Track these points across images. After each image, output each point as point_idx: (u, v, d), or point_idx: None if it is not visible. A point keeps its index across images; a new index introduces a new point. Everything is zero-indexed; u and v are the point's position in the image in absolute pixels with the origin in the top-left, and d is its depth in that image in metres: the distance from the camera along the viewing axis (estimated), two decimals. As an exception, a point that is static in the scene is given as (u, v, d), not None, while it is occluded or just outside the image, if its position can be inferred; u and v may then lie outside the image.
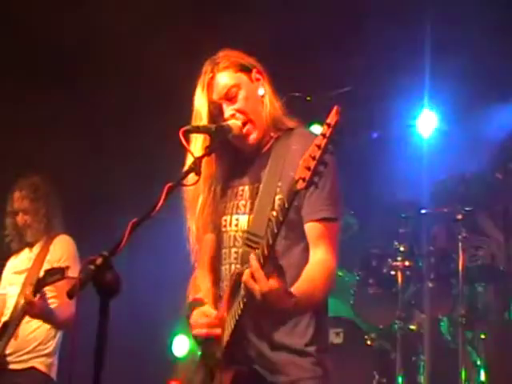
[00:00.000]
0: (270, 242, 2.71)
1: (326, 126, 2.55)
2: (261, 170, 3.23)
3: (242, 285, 2.79)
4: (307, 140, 3.01)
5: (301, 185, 2.60)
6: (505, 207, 6.78)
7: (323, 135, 2.55)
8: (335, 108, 2.56)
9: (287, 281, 2.79)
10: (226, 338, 2.99)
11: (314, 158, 2.56)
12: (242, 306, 2.87)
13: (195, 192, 3.20)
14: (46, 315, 4.96)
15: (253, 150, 3.27)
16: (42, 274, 4.91)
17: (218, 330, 3.02)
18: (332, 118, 2.54)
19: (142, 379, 7.27)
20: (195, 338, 3.13)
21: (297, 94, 6.60)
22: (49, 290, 5.02)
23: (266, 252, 2.72)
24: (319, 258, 3.03)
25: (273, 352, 3.07)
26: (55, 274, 4.77)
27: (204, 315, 3.07)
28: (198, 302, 3.20)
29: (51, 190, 5.52)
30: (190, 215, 3.29)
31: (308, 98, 7.15)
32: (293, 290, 2.81)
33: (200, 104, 3.22)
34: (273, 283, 2.69)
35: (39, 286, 4.83)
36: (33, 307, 4.84)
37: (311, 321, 3.12)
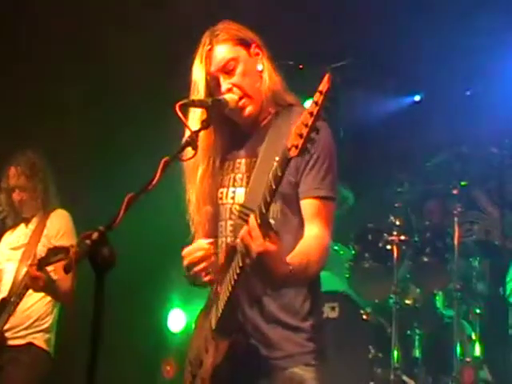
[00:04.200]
0: (263, 210, 2.71)
1: (318, 94, 2.53)
2: (258, 145, 3.21)
3: (238, 242, 2.77)
4: None
5: (294, 152, 2.59)
6: (500, 183, 6.79)
7: (315, 102, 2.53)
8: (327, 75, 2.55)
9: (284, 251, 2.79)
10: (220, 308, 2.99)
11: (306, 125, 2.54)
12: (236, 273, 2.86)
13: (194, 163, 3.18)
14: (49, 288, 4.95)
15: (250, 123, 3.25)
16: (45, 252, 4.88)
17: (206, 265, 3.03)
18: (324, 86, 2.53)
19: (137, 353, 7.30)
20: (187, 268, 3.09)
21: (290, 62, 6.60)
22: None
23: (258, 220, 2.71)
24: (314, 233, 3.03)
25: (268, 326, 3.08)
26: (58, 253, 4.75)
27: (199, 248, 3.06)
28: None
29: (46, 165, 5.49)
30: (190, 186, 3.28)
31: (300, 67, 7.13)
32: (288, 259, 2.81)
33: (198, 75, 3.19)
34: (269, 245, 2.68)
35: (42, 264, 4.81)
36: (37, 281, 4.83)
37: (305, 297, 3.13)
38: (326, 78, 2.55)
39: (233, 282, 2.90)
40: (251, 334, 3.06)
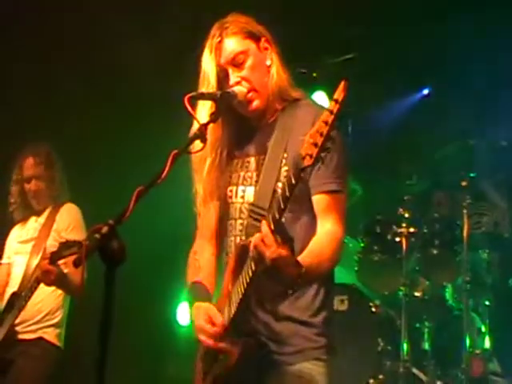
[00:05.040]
0: (277, 216, 2.72)
1: (333, 102, 2.52)
2: (266, 141, 3.21)
3: (251, 249, 2.77)
4: (313, 112, 3.06)
5: (308, 161, 2.58)
6: (508, 175, 6.78)
7: (330, 111, 2.52)
8: (342, 83, 2.53)
9: (295, 252, 2.82)
10: (233, 308, 2.98)
11: (321, 135, 2.53)
12: (248, 277, 2.86)
13: (202, 155, 3.16)
14: (61, 282, 4.95)
15: (257, 118, 3.25)
16: (56, 246, 4.89)
17: (222, 345, 3.00)
18: (339, 94, 2.52)
19: (146, 346, 7.31)
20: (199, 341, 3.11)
21: (302, 70, 6.62)
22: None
23: (272, 226, 2.73)
24: (327, 229, 3.03)
25: (278, 323, 3.08)
26: (71, 246, 4.75)
27: (209, 321, 3.03)
28: (199, 291, 3.20)
29: (59, 158, 5.50)
30: (198, 178, 3.27)
31: (314, 75, 7.15)
32: (299, 259, 2.81)
33: (208, 67, 3.18)
34: (281, 251, 2.70)
35: (54, 258, 4.81)
36: (49, 274, 4.83)
37: (317, 292, 3.13)
38: (341, 87, 2.54)
39: (245, 285, 2.90)
40: (262, 330, 3.07)
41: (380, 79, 7.33)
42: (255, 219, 3.01)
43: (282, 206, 2.71)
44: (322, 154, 2.57)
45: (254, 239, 2.74)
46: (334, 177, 3.06)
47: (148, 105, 7.04)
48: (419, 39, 7.12)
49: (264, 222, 2.75)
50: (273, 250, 2.69)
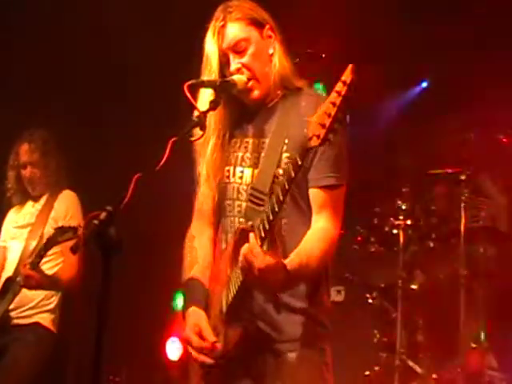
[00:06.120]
0: (271, 217, 2.75)
1: (340, 83, 2.51)
2: (265, 125, 3.19)
3: (240, 259, 2.79)
4: (317, 100, 3.02)
5: (315, 142, 2.57)
6: (507, 170, 6.77)
7: (338, 93, 2.51)
8: (350, 66, 2.52)
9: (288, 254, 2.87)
10: (230, 295, 2.98)
11: (329, 116, 2.52)
12: (239, 281, 2.90)
13: (206, 137, 3.14)
14: (44, 285, 4.97)
15: (257, 104, 3.22)
16: (52, 231, 4.88)
17: (209, 360, 3.00)
18: (347, 76, 2.50)
19: (142, 333, 7.30)
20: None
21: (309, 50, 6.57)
22: (54, 247, 4.99)
23: (262, 234, 2.77)
24: (320, 226, 3.03)
25: (276, 311, 3.06)
26: (66, 232, 4.74)
27: (199, 334, 3.02)
28: (195, 290, 3.19)
29: (57, 144, 5.49)
30: (201, 159, 3.25)
31: (323, 55, 7.11)
32: (287, 263, 2.82)
33: (210, 50, 3.15)
34: (269, 259, 2.72)
35: (50, 244, 4.81)
36: (30, 280, 4.86)
37: (314, 281, 3.12)
38: (349, 69, 2.52)
39: (241, 279, 2.90)
40: (260, 317, 3.06)
41: (379, 71, 7.31)
42: (255, 203, 3.01)
43: (287, 187, 2.71)
44: (330, 136, 2.56)
45: (244, 250, 2.76)
46: (333, 170, 3.04)
47: (148, 92, 7.02)
48: (418, 31, 7.10)
49: (252, 234, 2.78)
50: (261, 260, 2.71)
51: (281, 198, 2.73)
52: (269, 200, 2.86)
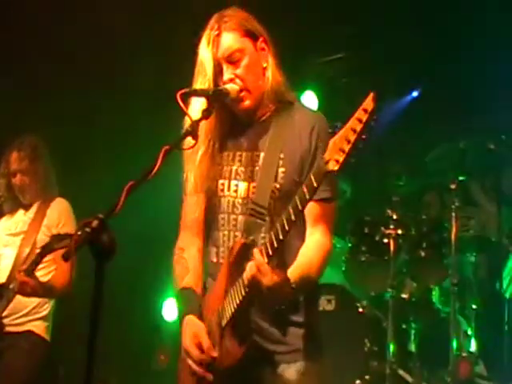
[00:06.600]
0: (275, 244, 2.78)
1: (362, 111, 2.52)
2: (259, 138, 3.21)
3: (247, 275, 2.83)
4: (311, 118, 3.16)
5: (334, 165, 2.59)
6: (497, 178, 6.79)
7: (359, 120, 2.52)
8: (371, 94, 2.53)
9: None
10: (231, 308, 2.98)
11: (348, 142, 2.54)
12: (241, 296, 2.92)
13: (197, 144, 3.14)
14: (39, 293, 4.96)
15: (248, 116, 3.24)
16: (48, 239, 4.87)
17: (208, 375, 3.02)
18: (368, 104, 2.52)
19: (132, 342, 7.30)
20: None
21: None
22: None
23: (270, 251, 2.79)
24: (316, 239, 3.08)
25: (271, 323, 3.09)
26: (63, 239, 4.73)
27: (198, 346, 3.03)
28: (190, 299, 3.19)
29: (47, 151, 5.48)
30: (189, 167, 3.25)
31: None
32: (289, 275, 2.87)
33: (205, 59, 3.16)
34: (276, 277, 2.78)
35: (46, 251, 4.79)
36: (26, 286, 4.84)
37: (308, 293, 3.15)
38: (370, 97, 2.54)
39: (241, 296, 2.92)
40: (258, 330, 3.07)
41: (370, 79, 7.32)
42: (256, 217, 3.05)
43: (300, 208, 2.74)
44: (349, 161, 2.58)
45: (251, 268, 2.80)
46: (327, 183, 3.05)
47: (141, 100, 7.02)
48: (409, 40, 7.13)
49: (256, 250, 2.81)
50: (269, 279, 2.77)
51: (292, 217, 2.75)
52: (274, 219, 2.90)
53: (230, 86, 3.11)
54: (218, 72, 3.16)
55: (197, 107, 3.09)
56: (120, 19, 6.55)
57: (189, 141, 2.91)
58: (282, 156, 3.09)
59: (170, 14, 6.61)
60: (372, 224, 6.43)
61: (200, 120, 2.95)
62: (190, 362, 3.05)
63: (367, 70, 7.49)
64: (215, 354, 2.99)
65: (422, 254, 6.29)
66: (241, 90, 3.14)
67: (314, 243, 3.06)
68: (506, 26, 6.63)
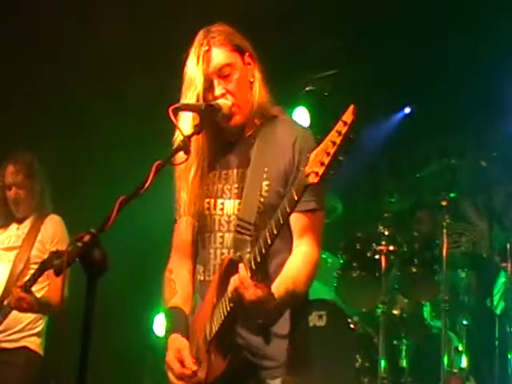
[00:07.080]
0: (258, 258, 2.78)
1: (341, 123, 2.51)
2: (244, 156, 3.20)
3: (230, 289, 2.83)
4: (293, 130, 3.15)
5: (313, 178, 2.59)
6: (488, 195, 6.82)
7: (338, 132, 2.51)
8: (351, 107, 2.53)
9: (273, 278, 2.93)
10: (216, 323, 2.98)
11: (328, 154, 2.53)
12: (226, 311, 2.92)
13: (188, 163, 3.13)
14: (35, 309, 4.95)
15: (235, 133, 3.24)
16: (45, 255, 4.88)
17: None
18: (348, 117, 2.51)
19: (123, 358, 7.27)
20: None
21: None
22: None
23: (253, 265, 2.79)
24: (303, 251, 3.06)
25: (257, 338, 3.07)
26: (61, 256, 4.71)
27: (179, 360, 3.04)
28: (177, 318, 3.20)
29: (42, 169, 5.49)
30: (182, 185, 3.25)
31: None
32: (274, 289, 2.86)
33: (194, 75, 3.14)
34: (259, 292, 2.77)
35: (44, 267, 4.78)
36: (22, 302, 4.83)
37: (295, 307, 3.12)
38: (350, 109, 2.53)
39: (227, 311, 2.92)
40: (244, 345, 3.06)
41: (361, 96, 7.35)
42: (242, 233, 3.03)
43: (281, 221, 2.73)
44: (328, 173, 2.57)
45: (233, 281, 2.80)
46: (312, 195, 3.04)
47: (131, 114, 7.01)
48: (401, 57, 7.16)
49: (241, 265, 2.81)
50: (251, 293, 2.75)
51: (274, 231, 2.74)
52: (261, 233, 2.85)
53: (222, 102, 3.11)
54: (207, 87, 3.15)
55: (186, 122, 3.10)
56: (108, 31, 6.56)
57: (181, 156, 2.91)
58: (266, 169, 3.08)
59: (161, 28, 6.60)
60: (364, 240, 6.43)
61: (192, 135, 2.95)
62: (170, 376, 3.05)
63: (360, 86, 7.50)
64: (195, 367, 2.98)
65: (414, 270, 6.29)
66: (232, 105, 3.14)
67: (299, 256, 3.04)
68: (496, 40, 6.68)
